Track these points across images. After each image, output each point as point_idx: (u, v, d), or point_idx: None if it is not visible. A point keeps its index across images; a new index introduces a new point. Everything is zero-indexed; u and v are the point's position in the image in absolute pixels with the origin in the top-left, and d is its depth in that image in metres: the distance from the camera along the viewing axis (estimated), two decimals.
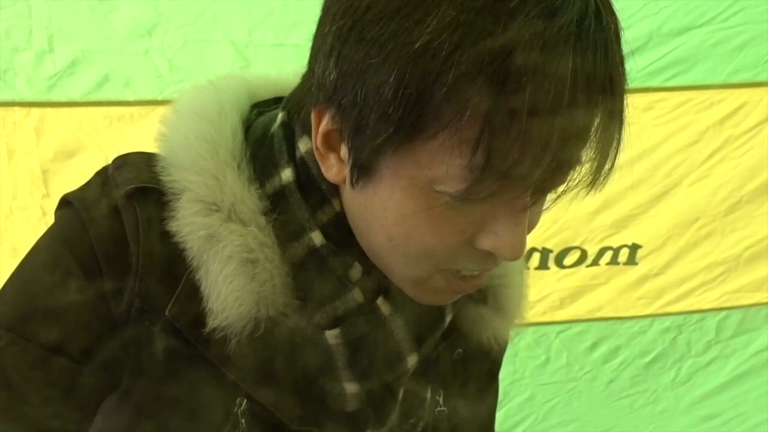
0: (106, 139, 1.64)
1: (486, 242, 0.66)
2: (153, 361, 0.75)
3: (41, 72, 1.55)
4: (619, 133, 0.64)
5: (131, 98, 1.61)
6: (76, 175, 1.63)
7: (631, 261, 2.00)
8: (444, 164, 0.60)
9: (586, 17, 0.57)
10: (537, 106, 0.56)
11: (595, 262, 1.98)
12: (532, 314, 2.01)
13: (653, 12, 1.71)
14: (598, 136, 0.62)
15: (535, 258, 1.92)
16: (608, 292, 2.03)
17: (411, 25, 0.57)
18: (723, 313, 2.13)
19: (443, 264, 0.69)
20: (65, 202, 0.75)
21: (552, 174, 0.60)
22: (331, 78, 0.64)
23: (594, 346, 2.13)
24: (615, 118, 0.63)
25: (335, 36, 0.63)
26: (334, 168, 0.68)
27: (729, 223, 1.97)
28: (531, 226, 0.69)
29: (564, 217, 1.89)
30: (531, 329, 2.04)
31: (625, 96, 0.63)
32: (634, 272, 2.02)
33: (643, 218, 1.94)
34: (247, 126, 0.77)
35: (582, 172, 0.64)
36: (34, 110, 1.60)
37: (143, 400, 0.78)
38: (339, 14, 0.62)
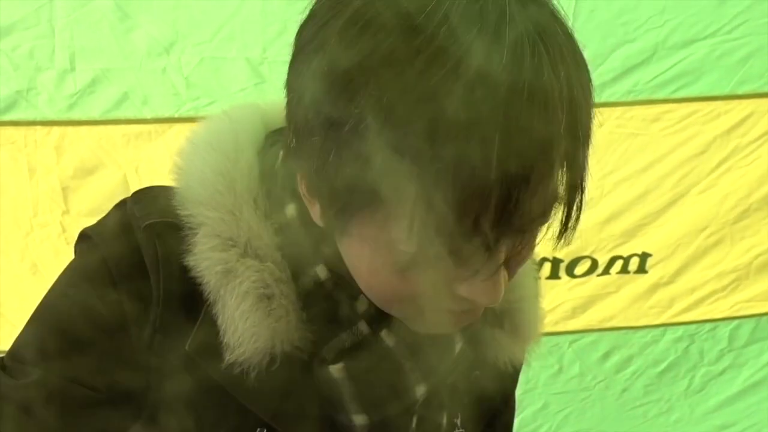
0: (124, 156, 1.67)
1: (462, 290, 0.65)
2: (175, 392, 0.76)
3: (63, 91, 1.58)
4: (576, 181, 0.61)
5: (149, 116, 1.64)
6: (95, 192, 1.69)
7: (642, 270, 2.00)
8: (395, 230, 0.60)
9: (521, 79, 0.55)
10: (465, 180, 0.55)
11: (605, 271, 1.99)
12: (544, 324, 2.02)
13: (658, 25, 1.72)
14: (546, 186, 0.60)
15: (546, 268, 1.93)
16: (620, 301, 2.04)
17: (341, 106, 0.57)
18: (735, 322, 2.13)
19: (427, 306, 0.68)
20: (85, 237, 0.76)
21: (502, 236, 0.59)
22: (293, 147, 0.66)
23: (607, 355, 2.13)
24: (560, 165, 0.60)
25: (288, 104, 0.65)
26: (318, 214, 0.69)
27: (738, 231, 1.98)
28: (522, 263, 0.68)
29: None
30: (544, 339, 2.03)
31: (579, 142, 0.60)
32: (644, 281, 2.02)
33: (653, 227, 1.94)
34: (263, 155, 0.77)
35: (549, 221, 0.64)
36: (55, 129, 1.63)
37: (167, 430, 0.79)
38: (291, 86, 0.64)
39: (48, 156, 1.65)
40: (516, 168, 0.56)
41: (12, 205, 1.67)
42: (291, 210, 0.74)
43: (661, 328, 2.11)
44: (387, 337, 0.76)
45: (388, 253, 0.63)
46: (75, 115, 1.62)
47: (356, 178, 0.58)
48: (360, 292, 0.73)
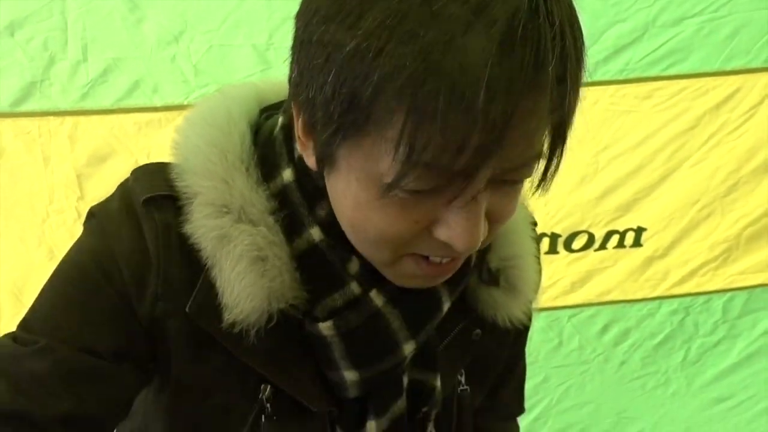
0: (135, 143, 1.70)
1: (440, 232, 0.67)
2: (180, 356, 0.80)
3: (75, 81, 1.61)
4: (559, 127, 0.64)
5: (159, 104, 1.67)
6: (108, 179, 1.71)
7: (637, 244, 2.04)
8: (381, 158, 0.62)
9: (518, 17, 0.57)
10: (453, 105, 0.57)
11: (602, 246, 2.02)
12: (544, 299, 2.04)
13: (648, 5, 1.76)
14: (531, 129, 0.62)
15: (545, 243, 1.97)
16: (616, 275, 2.07)
17: (345, 29, 0.59)
18: (728, 295, 2.16)
19: (405, 249, 0.71)
20: (91, 215, 0.80)
21: (482, 167, 0.61)
22: (293, 76, 0.68)
23: (605, 329, 2.16)
24: (547, 113, 0.62)
25: (295, 37, 0.67)
26: (312, 157, 0.71)
27: (728, 203, 2.01)
28: (504, 217, 0.71)
29: (570, 202, 1.94)
30: (544, 314, 2.08)
31: (566, 89, 0.61)
32: (639, 254, 2.05)
33: (647, 201, 1.97)
34: (257, 129, 0.80)
35: (532, 164, 0.66)
36: (68, 119, 1.66)
37: (175, 393, 0.83)
38: (299, 16, 0.66)
39: (62, 145, 1.68)
40: (503, 100, 0.57)
41: (28, 193, 1.70)
42: (287, 174, 0.77)
43: (657, 301, 2.14)
44: (376, 297, 0.78)
45: (373, 185, 0.65)
46: (87, 104, 1.65)
47: (351, 97, 0.60)
48: (352, 253, 0.76)
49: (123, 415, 0.83)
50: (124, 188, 0.81)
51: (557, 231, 1.97)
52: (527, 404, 2.26)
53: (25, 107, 1.63)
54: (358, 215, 0.69)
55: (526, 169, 0.66)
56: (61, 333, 0.77)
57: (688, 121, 1.91)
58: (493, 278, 0.88)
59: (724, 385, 2.30)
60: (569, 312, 2.12)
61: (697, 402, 2.33)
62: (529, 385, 2.26)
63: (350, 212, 0.70)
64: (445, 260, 0.72)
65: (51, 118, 1.66)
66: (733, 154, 1.96)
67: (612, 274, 2.08)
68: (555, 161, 0.66)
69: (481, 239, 0.68)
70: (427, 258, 0.72)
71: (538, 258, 0.94)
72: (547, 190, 0.68)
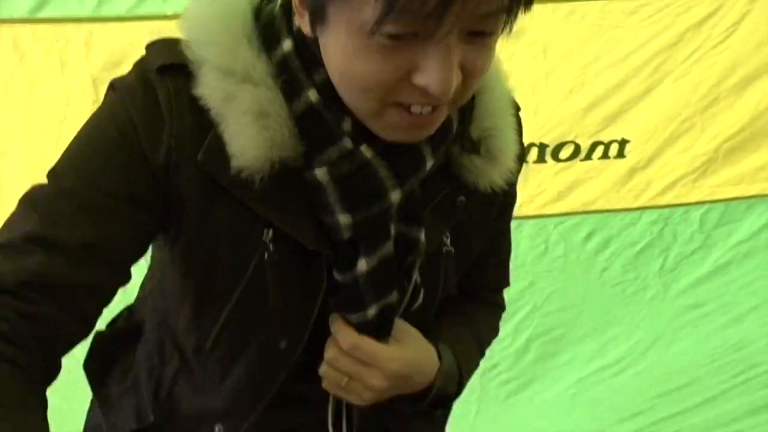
0: None
1: (418, 78, 0.76)
2: (191, 207, 0.89)
3: None
4: None
5: (169, 12, 1.72)
6: None
7: (621, 155, 2.10)
8: (363, 7, 0.72)
9: None
10: None
11: (588, 157, 2.09)
12: (532, 207, 2.13)
13: None
14: None
15: (533, 152, 2.04)
16: (601, 185, 2.14)
17: None
18: (706, 206, 2.24)
19: (388, 97, 0.79)
20: (111, 86, 0.90)
21: (448, 7, 0.70)
22: None
23: (588, 237, 2.25)
24: None
25: None
26: (307, 24, 0.81)
27: (708, 118, 2.07)
28: (477, 71, 0.80)
29: (558, 113, 2.01)
30: (531, 221, 2.17)
31: None
32: (623, 165, 2.12)
33: (631, 114, 2.03)
34: (258, 12, 0.89)
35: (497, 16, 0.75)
36: (84, 25, 1.71)
37: (188, 244, 0.93)
38: None
39: (78, 51, 1.74)
40: None
41: (46, 96, 1.77)
42: (286, 45, 0.86)
43: (638, 212, 2.22)
44: (366, 150, 0.88)
45: (358, 34, 0.74)
46: (102, 12, 1.70)
47: None
48: (346, 114, 0.86)
49: (138, 256, 0.93)
50: (140, 62, 0.90)
51: (545, 141, 2.04)
52: (513, 307, 2.36)
53: (43, 14, 1.69)
54: (346, 65, 0.78)
55: (492, 20, 0.75)
56: (84, 178, 0.86)
57: (671, 37, 1.96)
58: (475, 147, 0.97)
59: (699, 293, 2.40)
60: (555, 220, 2.20)
61: (673, 308, 2.43)
62: (515, 289, 2.35)
63: (339, 63, 0.79)
64: (425, 111, 0.81)
65: (68, 24, 1.71)
66: (714, 70, 2.01)
67: (596, 185, 2.15)
68: (515, 8, 0.75)
69: (454, 85, 0.77)
70: (409, 109, 0.81)
71: (519, 131, 1.04)
72: (510, 31, 0.78)
